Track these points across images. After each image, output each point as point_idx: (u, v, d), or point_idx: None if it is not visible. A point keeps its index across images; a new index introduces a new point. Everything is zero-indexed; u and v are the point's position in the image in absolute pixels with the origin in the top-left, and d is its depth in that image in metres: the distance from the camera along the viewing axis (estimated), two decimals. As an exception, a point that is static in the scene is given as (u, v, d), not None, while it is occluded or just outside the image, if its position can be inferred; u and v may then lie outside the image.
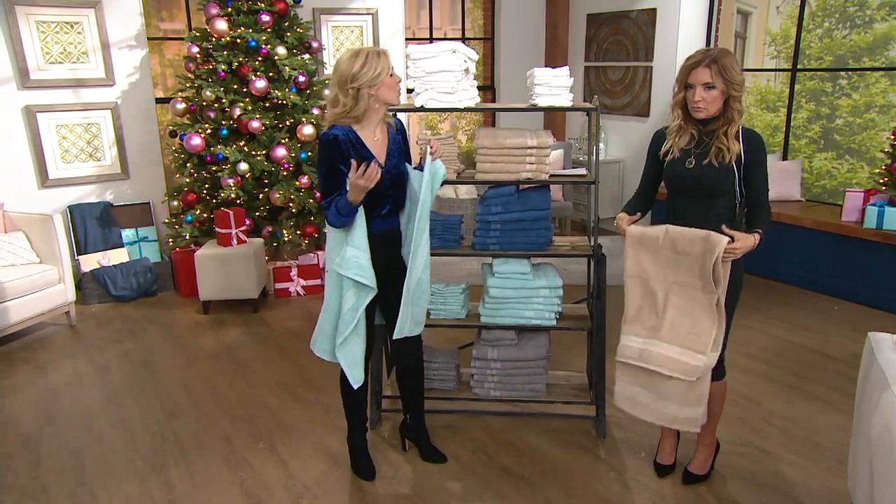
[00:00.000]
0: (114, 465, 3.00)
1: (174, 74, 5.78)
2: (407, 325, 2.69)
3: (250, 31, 4.96)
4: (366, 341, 2.67)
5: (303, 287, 5.21)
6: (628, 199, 2.78)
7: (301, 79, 5.06)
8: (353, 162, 2.45)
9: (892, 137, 4.69)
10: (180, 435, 3.25)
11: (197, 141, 4.90)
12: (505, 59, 7.21)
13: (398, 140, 2.66)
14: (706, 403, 2.49)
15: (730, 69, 2.38)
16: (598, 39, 6.94)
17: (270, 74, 5.02)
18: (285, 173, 5.04)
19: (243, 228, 4.92)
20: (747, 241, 2.38)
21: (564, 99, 3.02)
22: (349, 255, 2.52)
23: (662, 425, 2.70)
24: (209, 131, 5.01)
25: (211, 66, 5.02)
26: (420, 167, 2.69)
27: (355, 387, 2.66)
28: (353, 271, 2.52)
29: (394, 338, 2.70)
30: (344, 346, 2.60)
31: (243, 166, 4.91)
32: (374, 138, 2.57)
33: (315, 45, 5.35)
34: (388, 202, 2.62)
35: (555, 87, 3.00)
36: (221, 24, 4.92)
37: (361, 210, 2.52)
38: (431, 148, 2.65)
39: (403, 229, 2.74)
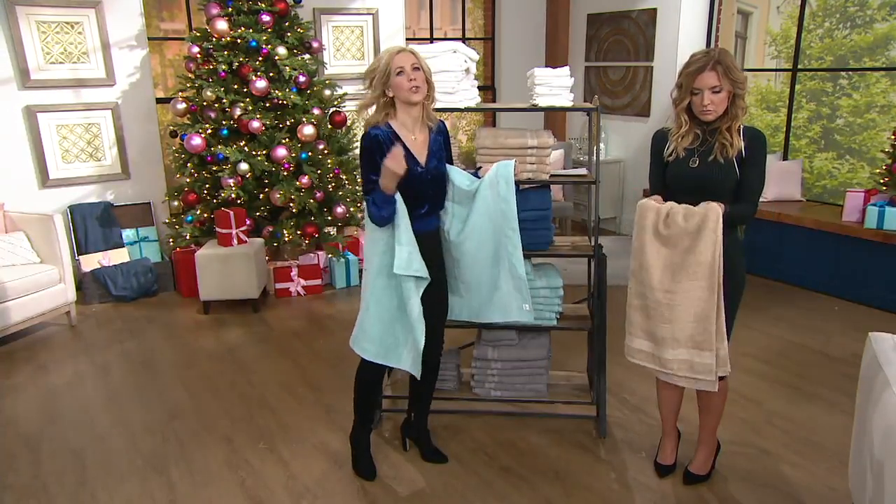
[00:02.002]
0: (115, 465, 3.00)
1: (175, 74, 5.78)
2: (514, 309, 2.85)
3: (251, 31, 4.96)
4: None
5: (303, 287, 5.21)
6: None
7: (301, 79, 5.05)
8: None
9: (893, 137, 4.69)
10: (181, 435, 3.25)
11: (197, 141, 4.90)
12: (505, 59, 7.21)
13: (439, 141, 2.69)
14: (718, 353, 2.46)
15: (733, 69, 2.40)
16: (598, 39, 6.94)
17: (271, 74, 5.02)
18: (286, 173, 5.04)
19: (244, 228, 4.92)
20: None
21: (565, 99, 3.02)
22: (405, 254, 2.54)
23: (672, 380, 2.58)
24: (210, 131, 5.00)
25: (211, 66, 5.02)
26: (475, 172, 2.80)
27: (419, 377, 2.71)
28: (414, 267, 2.55)
29: (497, 320, 2.91)
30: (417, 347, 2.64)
31: (244, 166, 4.91)
32: (413, 138, 2.59)
33: (315, 45, 5.35)
34: (426, 202, 2.64)
35: (555, 87, 3.00)
36: (222, 25, 4.92)
37: (404, 208, 2.54)
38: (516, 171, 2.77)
39: (447, 229, 2.78)
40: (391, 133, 2.53)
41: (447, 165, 2.74)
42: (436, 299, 2.76)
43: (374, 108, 2.57)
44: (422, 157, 2.59)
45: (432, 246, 2.73)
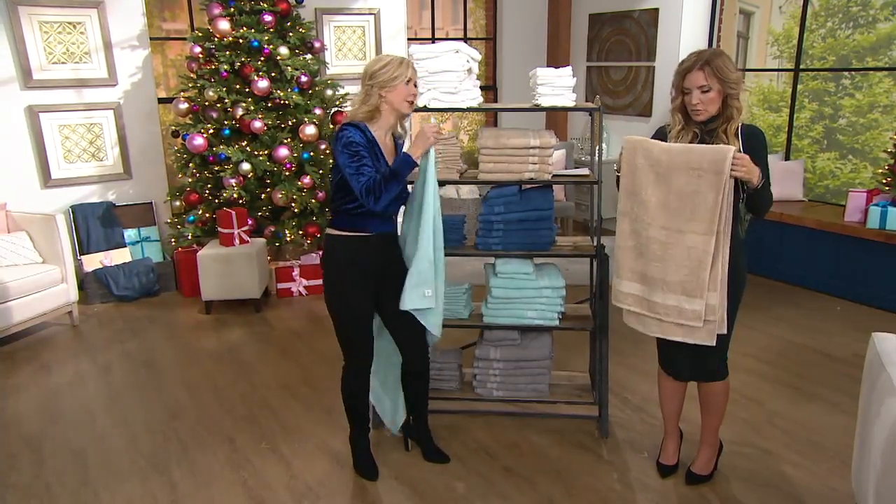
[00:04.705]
0: (116, 465, 3.01)
1: (177, 74, 5.78)
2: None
3: (252, 31, 4.96)
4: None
5: (305, 287, 5.21)
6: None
7: (303, 79, 5.06)
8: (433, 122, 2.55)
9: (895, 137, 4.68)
10: (183, 435, 3.25)
11: (199, 141, 4.90)
12: (507, 59, 7.21)
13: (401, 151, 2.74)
14: (708, 302, 2.40)
15: (723, 69, 2.38)
16: (600, 39, 6.94)
17: (273, 74, 5.02)
18: (287, 173, 5.05)
19: (245, 228, 4.92)
20: (753, 166, 2.30)
21: (567, 99, 3.02)
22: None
23: (662, 329, 2.54)
24: (211, 131, 5.01)
25: (213, 66, 5.03)
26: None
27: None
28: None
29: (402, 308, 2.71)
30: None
31: (245, 166, 4.92)
32: (385, 141, 2.63)
33: (317, 45, 5.35)
34: (398, 202, 2.68)
35: (557, 87, 3.00)
36: (224, 24, 4.93)
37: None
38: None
39: (404, 232, 2.79)
40: (368, 131, 2.55)
41: None
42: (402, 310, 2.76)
43: (362, 105, 2.56)
44: (390, 160, 2.63)
45: (392, 248, 2.75)
